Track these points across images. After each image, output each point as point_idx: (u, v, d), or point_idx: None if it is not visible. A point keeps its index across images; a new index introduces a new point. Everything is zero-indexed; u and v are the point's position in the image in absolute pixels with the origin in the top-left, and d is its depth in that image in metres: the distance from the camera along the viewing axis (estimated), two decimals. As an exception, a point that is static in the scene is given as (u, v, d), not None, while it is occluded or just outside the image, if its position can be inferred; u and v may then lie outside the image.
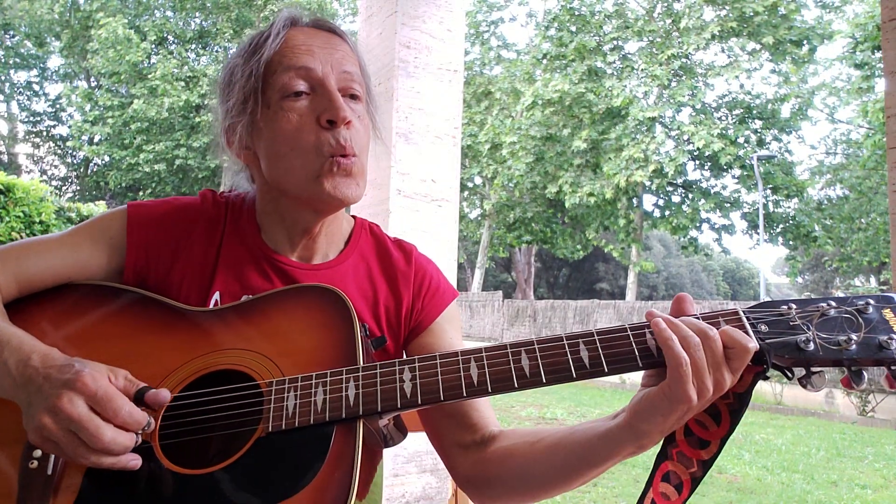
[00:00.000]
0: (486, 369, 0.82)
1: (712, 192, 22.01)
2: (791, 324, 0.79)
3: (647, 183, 20.90)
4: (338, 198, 0.96)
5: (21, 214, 6.31)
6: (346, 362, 0.85)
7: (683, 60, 21.35)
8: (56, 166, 32.63)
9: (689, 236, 21.99)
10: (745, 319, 0.80)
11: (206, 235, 1.04)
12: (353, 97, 1.01)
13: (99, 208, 7.97)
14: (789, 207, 21.35)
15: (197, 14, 26.81)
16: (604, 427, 0.83)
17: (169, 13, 26.45)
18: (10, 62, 29.99)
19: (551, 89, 21.08)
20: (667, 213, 22.37)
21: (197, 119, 23.70)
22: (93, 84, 28.64)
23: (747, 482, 5.91)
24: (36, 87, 31.88)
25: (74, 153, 30.84)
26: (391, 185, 2.80)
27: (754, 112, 21.29)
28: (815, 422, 10.00)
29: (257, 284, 1.02)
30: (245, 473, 0.78)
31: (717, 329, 0.77)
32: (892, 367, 0.75)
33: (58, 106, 31.29)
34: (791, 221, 20.98)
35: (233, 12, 25.26)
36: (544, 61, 22.83)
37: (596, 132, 21.11)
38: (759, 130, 21.15)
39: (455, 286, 1.30)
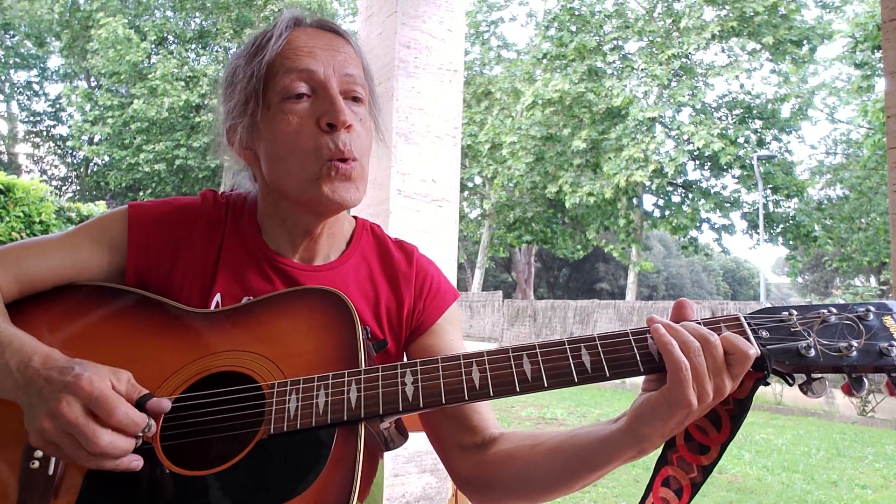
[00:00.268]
0: (488, 373, 0.82)
1: (712, 192, 22.01)
2: (792, 330, 0.79)
3: (647, 183, 20.89)
4: (336, 201, 0.96)
5: (21, 214, 6.31)
6: (348, 365, 0.85)
7: (683, 60, 21.35)
8: (56, 166, 32.65)
9: (689, 236, 21.99)
10: (746, 325, 0.80)
11: (207, 236, 1.04)
12: (356, 100, 1.00)
13: (99, 208, 7.97)
14: (789, 207, 21.36)
15: (197, 14, 26.81)
16: (605, 431, 0.83)
17: (169, 13, 26.45)
18: (10, 62, 29.99)
19: (551, 89, 21.08)
20: (667, 213, 22.37)
21: (197, 119, 23.70)
22: (93, 84, 28.64)
23: (747, 482, 5.91)
24: (36, 87, 31.90)
25: (74, 153, 30.84)
26: (391, 185, 2.80)
27: (754, 112, 21.29)
28: (815, 422, 10.00)
29: (258, 286, 1.01)
30: (246, 475, 0.78)
31: (719, 335, 0.77)
32: (893, 374, 0.75)
33: (58, 106, 31.29)
34: (791, 221, 20.98)
35: (233, 12, 25.26)
36: (544, 61, 22.82)
37: (596, 132, 21.11)
38: (759, 130, 21.15)
39: (455, 286, 1.30)
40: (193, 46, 26.68)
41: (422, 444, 2.74)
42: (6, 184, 6.26)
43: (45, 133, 32.19)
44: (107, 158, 26.29)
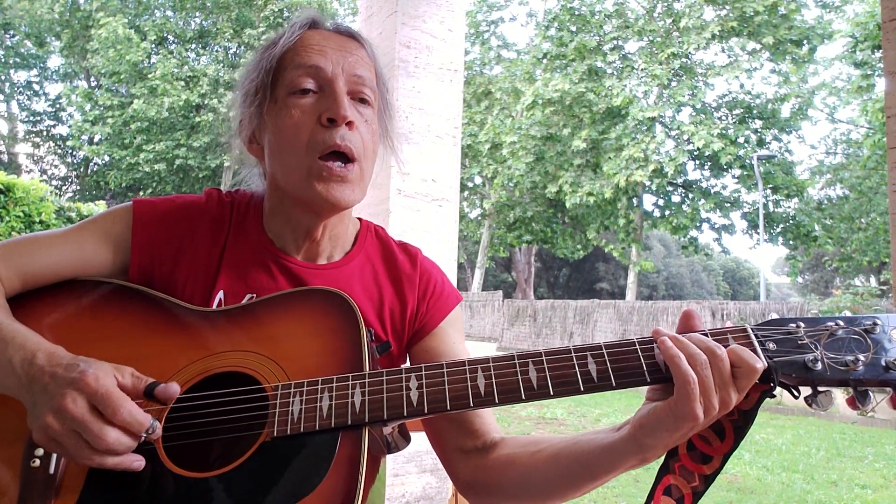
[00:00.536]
0: (494, 380, 0.81)
1: (712, 191, 22.00)
2: (799, 343, 0.79)
3: (647, 183, 20.88)
4: (329, 201, 0.95)
5: (21, 214, 6.31)
6: (352, 367, 0.85)
7: (683, 60, 21.34)
8: (56, 166, 32.62)
9: (689, 236, 21.98)
10: (753, 337, 0.80)
11: (211, 235, 1.04)
12: (363, 101, 1.00)
13: (99, 208, 7.98)
14: (789, 207, 21.35)
15: (197, 14, 26.79)
16: (607, 439, 0.83)
17: (169, 13, 26.44)
18: (10, 62, 29.97)
19: (551, 89, 21.07)
20: (667, 212, 22.36)
21: (197, 119, 23.69)
22: (93, 84, 28.63)
23: (747, 482, 5.91)
24: (36, 87, 31.88)
25: (74, 153, 30.83)
26: (391, 185, 2.80)
27: (754, 112, 21.28)
28: (815, 422, 10.00)
29: (262, 283, 1.01)
30: (249, 478, 0.78)
31: (726, 346, 0.77)
32: None
33: (58, 106, 31.27)
34: (791, 221, 20.98)
35: (233, 12, 25.25)
36: (544, 61, 22.81)
37: (596, 132, 21.10)
38: (759, 130, 21.14)
39: (455, 286, 1.30)
40: (193, 46, 26.67)
41: (422, 444, 2.73)
42: (6, 184, 6.26)
43: (45, 133, 32.17)
44: (107, 158, 26.28)
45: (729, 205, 21.75)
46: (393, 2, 2.93)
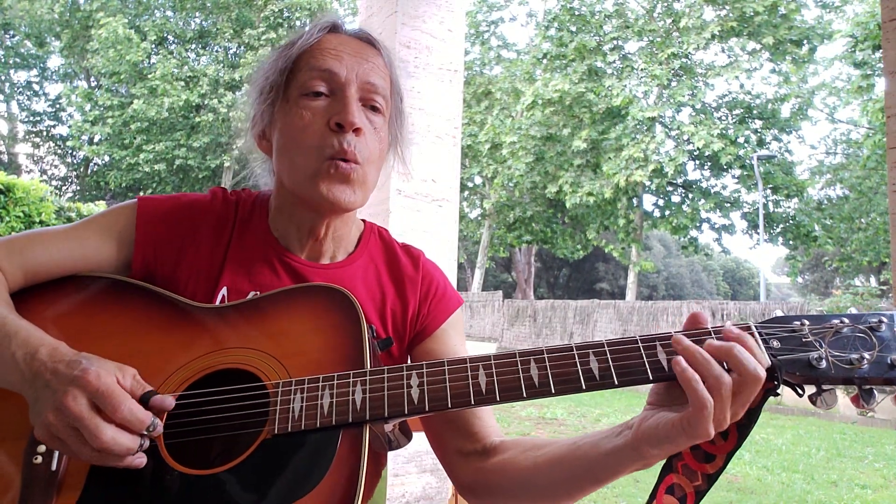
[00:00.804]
0: (495, 377, 0.81)
1: (712, 192, 22.00)
2: (803, 340, 0.78)
3: (647, 183, 20.88)
4: (330, 200, 0.95)
5: (21, 214, 6.31)
6: (353, 364, 0.85)
7: (683, 60, 21.34)
8: (56, 166, 32.61)
9: (689, 236, 21.98)
10: (757, 335, 0.79)
11: (215, 233, 1.04)
12: (374, 109, 1.00)
13: (98, 208, 7.98)
14: (789, 207, 21.35)
15: (197, 14, 26.79)
16: (609, 445, 0.82)
17: (169, 13, 26.44)
18: (10, 62, 29.96)
19: (551, 89, 21.07)
20: (667, 213, 22.35)
21: (197, 119, 23.69)
22: (93, 84, 28.63)
23: (747, 482, 5.91)
24: (36, 87, 31.87)
25: (74, 153, 30.82)
26: (391, 185, 2.80)
27: (754, 112, 21.28)
28: (815, 422, 10.00)
29: (266, 280, 1.02)
30: (250, 475, 0.78)
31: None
32: None
33: (58, 106, 31.26)
34: (791, 221, 20.97)
35: (233, 12, 25.25)
36: (544, 61, 22.81)
37: (596, 132, 21.10)
38: (759, 130, 21.14)
39: (455, 286, 1.30)
40: (193, 46, 26.67)
41: (422, 443, 2.73)
42: (6, 184, 6.26)
43: (45, 133, 32.16)
44: (107, 158, 26.28)
45: (729, 205, 21.75)
46: (393, 2, 2.93)
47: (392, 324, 1.07)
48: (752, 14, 19.41)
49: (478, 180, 26.62)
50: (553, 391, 0.79)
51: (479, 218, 27.25)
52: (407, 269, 1.10)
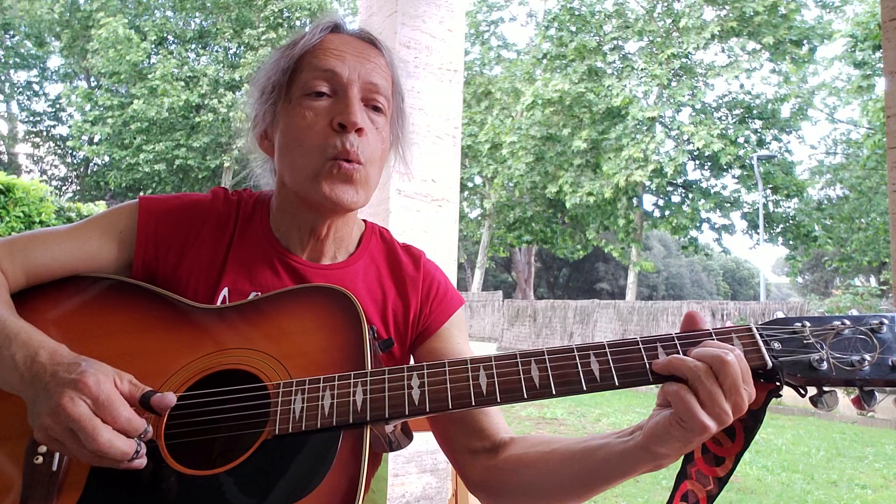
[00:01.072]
0: (496, 378, 0.81)
1: (712, 192, 22.00)
2: (805, 342, 0.78)
3: (647, 183, 20.89)
4: (332, 200, 0.95)
5: (21, 214, 6.31)
6: (354, 365, 0.85)
7: (683, 60, 21.34)
8: (56, 166, 32.61)
9: (689, 236, 21.98)
10: (758, 336, 0.79)
11: (216, 233, 1.04)
12: (376, 109, 1.01)
13: (99, 208, 7.98)
14: (789, 207, 21.35)
15: (197, 14, 26.79)
16: (620, 446, 0.82)
17: (169, 13, 26.44)
18: (10, 62, 29.95)
19: (551, 89, 21.08)
20: (667, 213, 22.36)
21: (197, 119, 23.69)
22: (93, 84, 28.62)
23: (747, 482, 5.91)
24: (36, 87, 31.87)
25: (74, 153, 30.81)
26: (391, 185, 2.80)
27: (754, 112, 21.28)
28: (815, 422, 10.00)
29: (267, 281, 1.02)
30: (250, 476, 0.78)
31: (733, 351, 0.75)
32: None
33: (58, 106, 31.26)
34: (791, 221, 20.98)
35: (233, 12, 25.25)
36: (544, 61, 22.82)
37: (596, 132, 21.10)
38: (759, 130, 21.14)
39: (455, 286, 1.30)
40: (193, 46, 26.66)
41: (422, 444, 2.73)
42: (6, 184, 6.26)
43: (45, 133, 32.16)
44: (107, 158, 26.27)
45: (729, 205, 21.75)
46: (393, 2, 2.93)
47: (393, 324, 1.07)
48: (752, 14, 19.42)
49: (478, 180, 26.63)
50: (554, 392, 0.79)
51: (479, 218, 27.26)
52: (408, 270, 1.10)
